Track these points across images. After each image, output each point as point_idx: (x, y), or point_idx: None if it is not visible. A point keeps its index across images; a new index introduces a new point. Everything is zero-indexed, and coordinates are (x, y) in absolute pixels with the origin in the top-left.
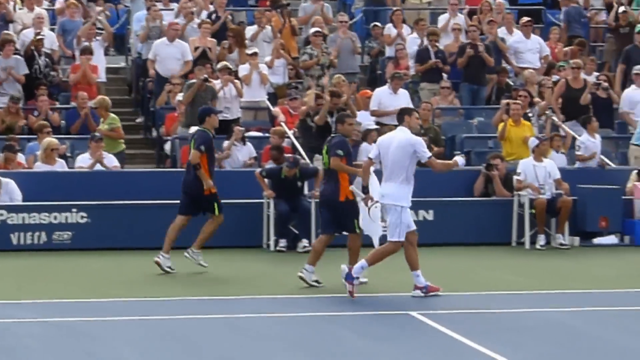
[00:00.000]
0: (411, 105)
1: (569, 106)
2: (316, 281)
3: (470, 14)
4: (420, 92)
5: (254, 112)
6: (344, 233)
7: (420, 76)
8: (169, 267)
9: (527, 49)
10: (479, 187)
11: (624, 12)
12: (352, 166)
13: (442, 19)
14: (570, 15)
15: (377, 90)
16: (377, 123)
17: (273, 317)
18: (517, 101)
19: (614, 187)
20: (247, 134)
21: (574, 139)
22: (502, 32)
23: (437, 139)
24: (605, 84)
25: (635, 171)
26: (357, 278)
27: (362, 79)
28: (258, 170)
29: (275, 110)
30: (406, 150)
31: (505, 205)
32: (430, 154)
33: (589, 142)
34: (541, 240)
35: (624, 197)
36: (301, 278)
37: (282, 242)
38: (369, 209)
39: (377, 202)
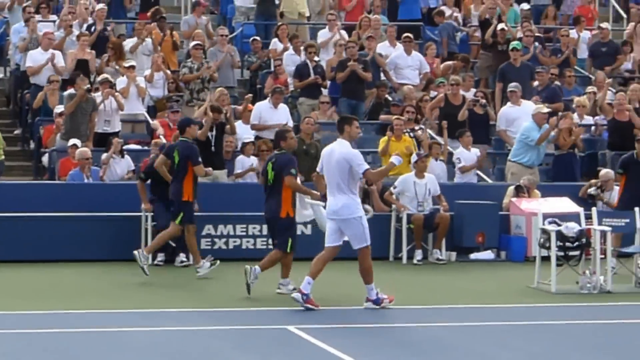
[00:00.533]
0: (291, 121)
1: (448, 122)
2: (294, 289)
3: (349, 29)
4: (299, 107)
5: (131, 125)
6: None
7: (299, 91)
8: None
9: (407, 65)
10: None
11: (502, 29)
12: None
13: (322, 35)
14: (445, 32)
15: (258, 104)
16: (257, 137)
17: (152, 331)
18: (400, 116)
19: (490, 202)
20: (125, 147)
21: (451, 154)
22: (384, 46)
23: (319, 155)
24: (484, 101)
25: (512, 187)
26: (378, 294)
27: (241, 93)
28: (138, 181)
29: (154, 123)
30: (343, 166)
31: (383, 220)
32: (366, 167)
33: (465, 154)
34: (418, 255)
35: (500, 213)
36: (281, 293)
37: (160, 256)
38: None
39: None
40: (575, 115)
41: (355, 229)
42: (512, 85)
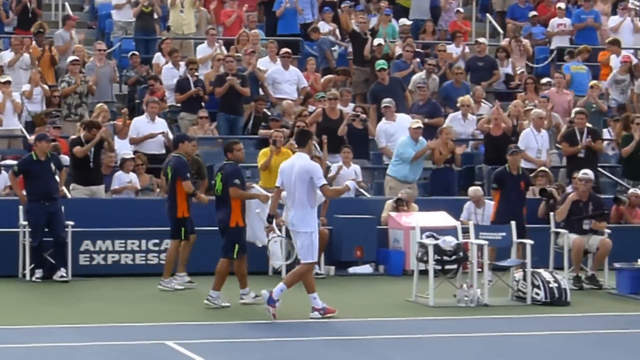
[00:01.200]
0: (170, 135)
1: (327, 137)
2: (256, 296)
3: (228, 44)
4: (180, 122)
5: (8, 141)
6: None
7: (180, 106)
8: (188, 282)
9: (285, 80)
10: None
11: (379, 44)
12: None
13: (201, 50)
14: (325, 46)
15: (136, 119)
16: (135, 152)
17: (28, 348)
18: (280, 129)
19: (369, 217)
20: (2, 163)
21: (329, 168)
22: (265, 61)
23: (201, 171)
24: (364, 116)
25: (391, 201)
26: (278, 300)
27: (119, 108)
28: (11, 174)
29: (32, 138)
30: (304, 178)
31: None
32: (324, 182)
33: (343, 171)
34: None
35: (379, 227)
36: (207, 304)
37: (38, 273)
38: (268, 240)
39: (277, 236)
40: (459, 114)
41: (304, 242)
42: (386, 101)
